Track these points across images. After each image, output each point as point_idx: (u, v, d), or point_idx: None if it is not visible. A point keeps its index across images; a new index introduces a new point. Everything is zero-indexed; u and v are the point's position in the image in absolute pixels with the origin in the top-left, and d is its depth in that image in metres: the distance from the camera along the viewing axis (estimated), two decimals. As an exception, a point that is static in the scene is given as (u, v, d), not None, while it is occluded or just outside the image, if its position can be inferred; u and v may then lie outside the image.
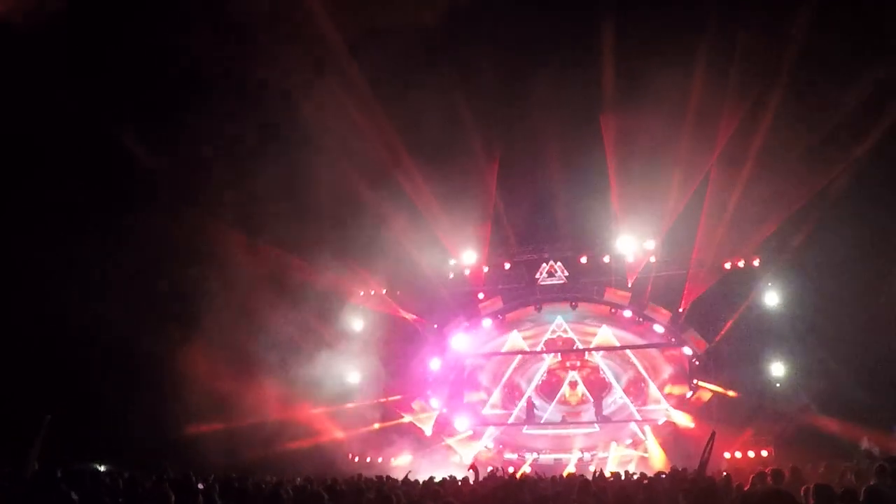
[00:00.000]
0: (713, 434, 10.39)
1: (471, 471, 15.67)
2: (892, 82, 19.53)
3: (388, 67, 20.71)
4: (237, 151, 21.81)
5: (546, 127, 23.29)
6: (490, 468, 19.75)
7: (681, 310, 25.91)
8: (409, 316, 28.23)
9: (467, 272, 28.17)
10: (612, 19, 21.11)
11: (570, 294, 27.83)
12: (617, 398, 27.56)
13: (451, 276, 28.10)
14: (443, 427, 28.02)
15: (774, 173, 21.36)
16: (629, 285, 26.69)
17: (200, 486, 10.58)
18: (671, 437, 25.45)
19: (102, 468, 14.91)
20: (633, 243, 26.05)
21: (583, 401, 27.86)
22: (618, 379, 27.72)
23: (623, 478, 15.91)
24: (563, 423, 27.72)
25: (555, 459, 26.39)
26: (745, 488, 10.46)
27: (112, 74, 19.77)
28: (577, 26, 22.15)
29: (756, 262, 24.83)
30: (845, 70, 19.78)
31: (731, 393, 23.98)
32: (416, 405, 27.96)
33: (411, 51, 20.46)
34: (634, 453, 26.14)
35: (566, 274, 27.66)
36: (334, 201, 22.92)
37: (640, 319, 26.94)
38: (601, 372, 27.96)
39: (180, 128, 20.85)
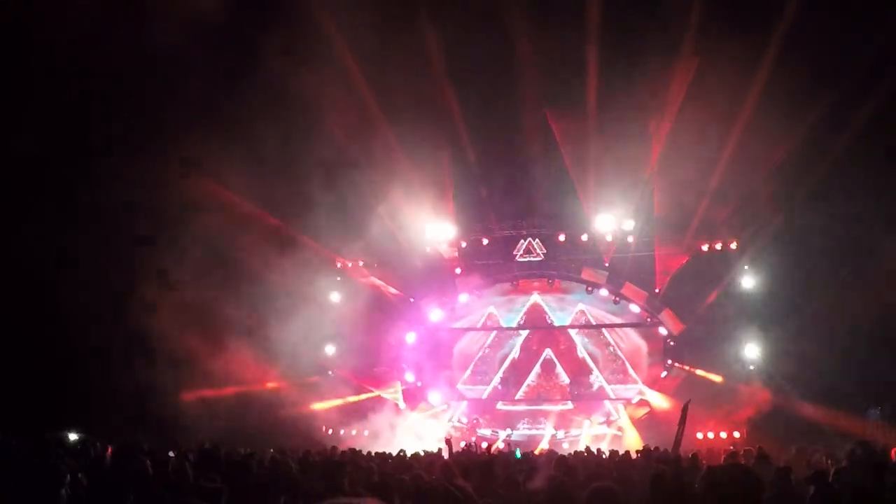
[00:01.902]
0: (686, 406, 10.26)
1: (444, 444, 15.65)
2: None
3: (363, 25, 20.14)
4: (216, 106, 21.13)
5: (525, 101, 23.04)
6: (463, 443, 19.78)
7: (657, 290, 26.01)
8: (386, 288, 28.09)
9: (445, 247, 28.00)
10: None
11: (547, 271, 27.84)
12: (591, 376, 27.73)
13: (429, 249, 27.89)
14: (417, 401, 28.06)
15: (747, 152, 21.22)
16: (606, 264, 26.70)
17: (171, 454, 10.50)
18: (645, 417, 25.73)
19: (74, 436, 14.69)
20: (611, 222, 25.81)
21: (557, 378, 27.99)
22: (593, 357, 27.86)
23: (595, 455, 15.97)
24: (537, 399, 27.87)
25: (528, 436, 26.55)
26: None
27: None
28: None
29: (734, 245, 24.90)
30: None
31: (715, 378, 24.09)
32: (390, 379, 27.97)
33: (389, 10, 20.01)
34: (608, 431, 26.38)
35: (544, 251, 27.61)
36: (313, 169, 22.62)
37: (617, 299, 27.02)
38: (576, 350, 28.08)
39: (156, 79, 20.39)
